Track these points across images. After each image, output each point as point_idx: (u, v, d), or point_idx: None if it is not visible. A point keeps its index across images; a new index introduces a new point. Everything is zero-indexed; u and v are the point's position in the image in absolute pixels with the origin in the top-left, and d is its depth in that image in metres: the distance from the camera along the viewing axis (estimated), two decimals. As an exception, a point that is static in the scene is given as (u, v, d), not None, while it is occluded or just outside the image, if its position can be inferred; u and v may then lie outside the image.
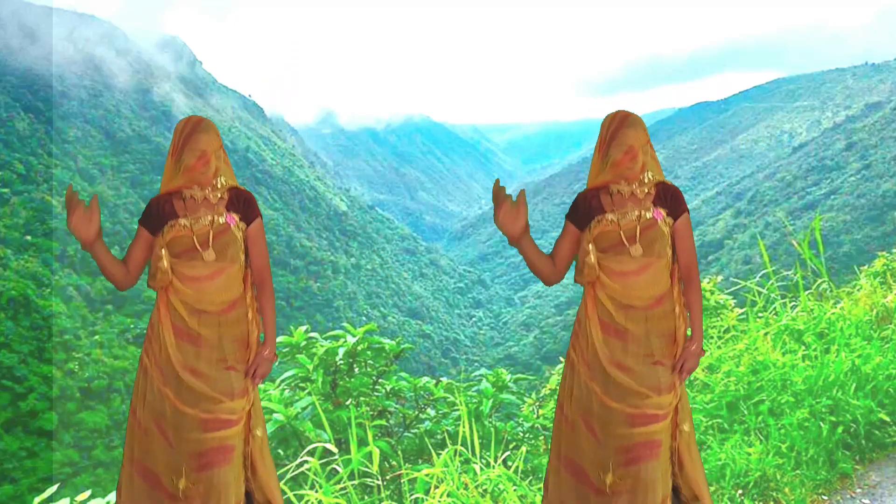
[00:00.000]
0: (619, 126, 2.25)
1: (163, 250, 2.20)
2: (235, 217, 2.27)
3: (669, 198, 2.29)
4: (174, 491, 2.17)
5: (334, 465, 3.07)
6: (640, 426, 2.23)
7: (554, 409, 4.56)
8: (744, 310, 4.85)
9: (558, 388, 2.46)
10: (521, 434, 3.96)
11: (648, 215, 2.25)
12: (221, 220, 2.24)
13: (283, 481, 2.74)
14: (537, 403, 4.74)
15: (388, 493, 3.14)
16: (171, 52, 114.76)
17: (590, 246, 2.27)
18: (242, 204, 2.30)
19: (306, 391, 3.67)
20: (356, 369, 3.90)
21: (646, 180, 2.26)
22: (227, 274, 2.23)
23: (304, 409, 3.47)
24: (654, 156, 2.31)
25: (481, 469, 3.02)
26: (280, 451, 3.51)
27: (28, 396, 38.53)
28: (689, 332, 2.34)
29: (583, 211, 2.31)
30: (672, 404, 2.28)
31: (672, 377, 2.27)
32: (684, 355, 2.29)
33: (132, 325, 51.66)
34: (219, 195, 2.27)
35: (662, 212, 2.26)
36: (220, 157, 2.28)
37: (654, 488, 2.24)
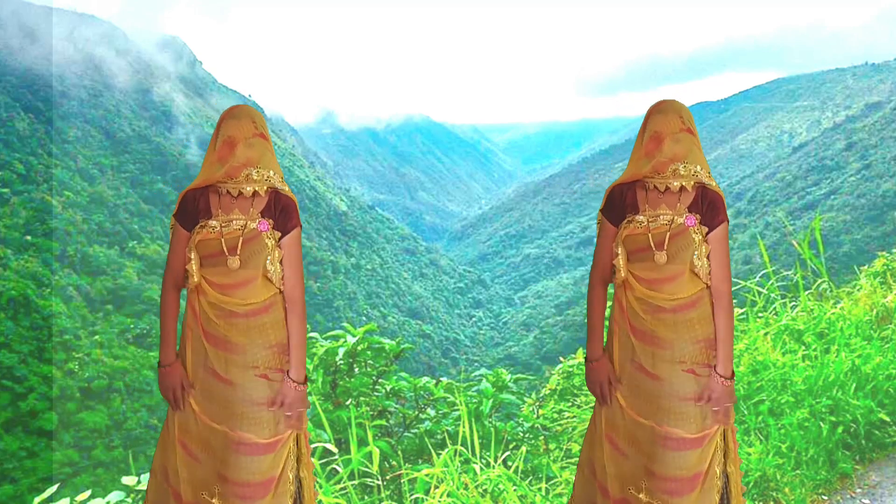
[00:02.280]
0: (649, 113, 2.18)
1: (192, 253, 2.08)
2: (269, 224, 2.13)
3: (707, 205, 2.13)
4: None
5: (334, 465, 3.07)
6: (672, 450, 2.09)
7: (554, 410, 4.56)
8: (744, 310, 4.84)
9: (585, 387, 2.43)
10: (521, 434, 3.96)
11: (680, 220, 2.11)
12: (253, 224, 2.10)
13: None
14: (537, 403, 4.74)
15: (388, 493, 3.14)
16: (171, 52, 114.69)
17: (619, 249, 2.15)
18: (280, 211, 2.15)
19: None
20: (356, 369, 3.89)
21: (681, 171, 2.11)
22: (254, 284, 2.10)
23: (304, 409, 3.46)
24: (695, 147, 2.14)
25: (481, 469, 3.02)
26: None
27: (28, 396, 38.52)
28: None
29: (618, 206, 2.19)
30: (708, 432, 2.11)
31: (701, 389, 2.10)
32: (710, 386, 2.10)
33: (132, 325, 51.63)
34: (253, 189, 2.12)
35: (696, 218, 2.12)
36: (254, 145, 2.11)
37: None
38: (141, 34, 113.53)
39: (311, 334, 3.94)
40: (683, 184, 2.13)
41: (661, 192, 2.15)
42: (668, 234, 2.10)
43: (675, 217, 2.12)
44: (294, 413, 2.13)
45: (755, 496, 3.10)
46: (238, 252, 2.08)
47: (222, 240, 2.08)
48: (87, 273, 55.12)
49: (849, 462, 3.39)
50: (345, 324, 4.10)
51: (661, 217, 2.13)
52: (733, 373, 2.15)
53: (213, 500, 2.07)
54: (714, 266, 2.13)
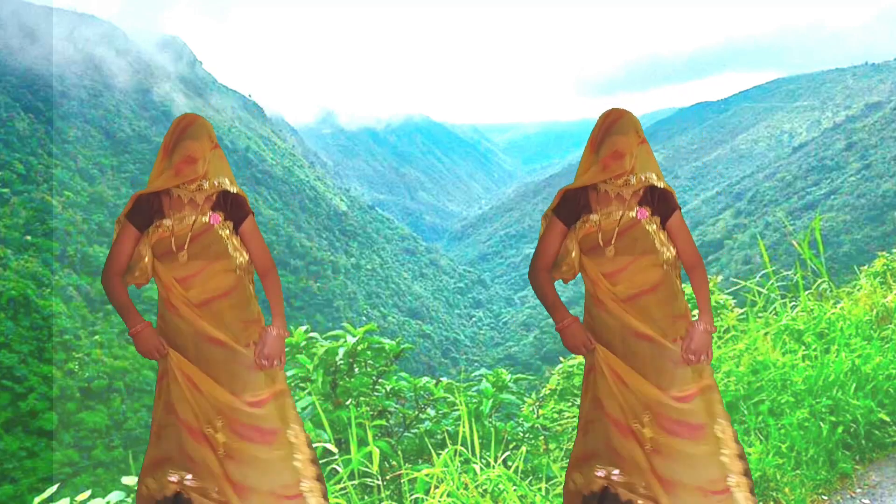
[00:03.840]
0: (608, 130, 2.28)
1: (147, 248, 2.24)
2: (220, 216, 2.28)
3: (657, 198, 2.29)
4: (213, 439, 2.20)
5: (334, 465, 3.07)
6: (667, 390, 2.23)
7: (554, 410, 4.57)
8: (744, 310, 4.84)
9: (580, 388, 2.47)
10: (521, 434, 3.96)
11: (631, 214, 2.26)
12: (204, 219, 2.26)
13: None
14: (537, 403, 4.74)
15: (388, 493, 3.15)
16: (171, 52, 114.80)
17: (573, 245, 2.31)
18: (229, 204, 2.32)
19: (306, 391, 3.66)
20: (356, 369, 3.89)
21: (632, 181, 2.26)
22: (211, 270, 2.25)
23: (304, 409, 3.47)
24: (649, 155, 2.30)
25: (481, 469, 3.02)
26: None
27: (28, 396, 38.56)
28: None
29: (571, 208, 2.32)
30: (700, 384, 2.26)
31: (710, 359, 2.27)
32: (690, 333, 2.27)
33: (132, 325, 51.63)
34: (204, 195, 2.28)
35: (647, 210, 2.27)
36: (210, 160, 2.28)
37: (697, 469, 2.22)
38: (141, 34, 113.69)
39: (312, 334, 3.95)
40: (634, 191, 2.28)
41: (611, 195, 2.29)
42: (618, 228, 2.25)
43: (626, 212, 2.26)
44: (270, 361, 2.28)
45: (755, 496, 3.10)
46: (186, 247, 2.23)
47: (172, 237, 2.23)
48: (87, 273, 55.15)
49: (849, 462, 3.39)
50: (345, 324, 4.10)
51: (613, 214, 2.27)
52: (715, 328, 2.32)
53: (218, 434, 2.21)
54: (681, 247, 2.31)
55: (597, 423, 2.32)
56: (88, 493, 2.84)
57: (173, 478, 2.22)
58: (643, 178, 2.26)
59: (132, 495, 2.83)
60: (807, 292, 4.98)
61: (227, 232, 2.30)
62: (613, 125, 2.27)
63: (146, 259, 2.24)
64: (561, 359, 5.14)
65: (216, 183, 2.29)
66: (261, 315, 2.35)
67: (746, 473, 2.30)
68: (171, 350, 2.24)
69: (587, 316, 2.38)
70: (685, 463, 2.23)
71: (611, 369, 2.28)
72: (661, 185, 2.28)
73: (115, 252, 2.28)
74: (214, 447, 2.20)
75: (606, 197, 2.28)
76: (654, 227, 2.27)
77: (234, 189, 2.33)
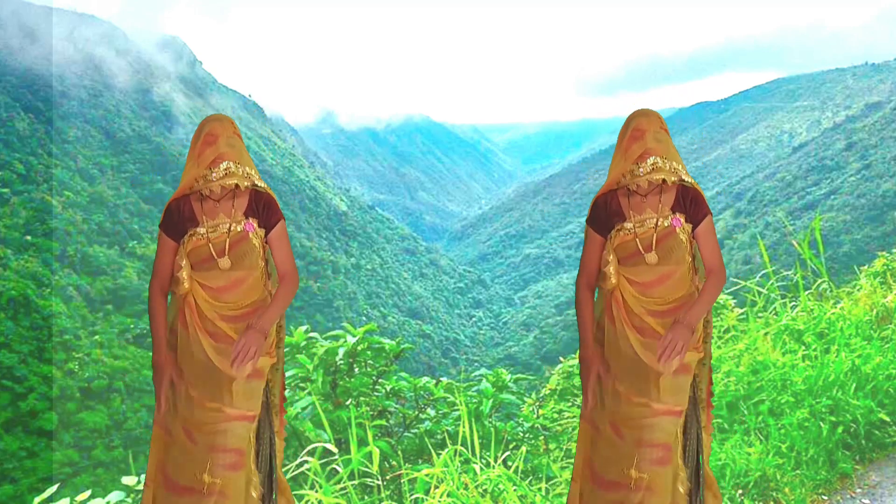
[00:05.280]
0: (631, 117, 2.29)
1: (184, 261, 2.19)
2: (254, 223, 2.24)
3: (689, 202, 2.24)
4: (199, 486, 2.17)
5: (334, 465, 3.07)
6: (662, 415, 2.21)
7: (554, 410, 4.56)
8: (744, 310, 4.85)
9: (580, 404, 2.47)
10: (521, 434, 3.96)
11: (666, 223, 2.22)
12: (239, 227, 2.22)
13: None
14: (537, 403, 4.74)
15: (388, 493, 3.14)
16: (171, 52, 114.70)
17: (611, 256, 2.25)
18: (262, 208, 2.27)
19: (306, 391, 3.67)
20: (356, 369, 3.89)
21: (660, 164, 2.20)
22: (247, 283, 2.22)
23: (304, 409, 3.47)
24: (671, 145, 2.25)
25: (481, 469, 3.02)
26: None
27: (28, 396, 38.52)
28: None
29: (603, 217, 2.29)
30: (685, 407, 2.24)
31: (683, 356, 2.21)
32: (671, 328, 2.18)
33: (132, 325, 51.65)
34: (234, 183, 2.20)
35: (681, 218, 2.23)
36: (234, 143, 2.24)
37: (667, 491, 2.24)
38: (141, 34, 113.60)
39: (312, 334, 3.95)
40: (664, 178, 2.21)
41: (643, 196, 2.24)
42: (655, 236, 2.21)
43: (661, 220, 2.23)
44: (240, 356, 2.17)
45: (755, 496, 3.10)
46: (227, 253, 2.19)
47: (210, 244, 2.19)
48: (87, 273, 55.12)
49: (849, 462, 3.39)
50: (345, 324, 4.10)
51: (647, 221, 2.23)
52: (693, 330, 2.21)
53: (205, 476, 2.16)
54: (707, 254, 2.27)
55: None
56: (88, 493, 2.84)
57: None
58: (671, 167, 2.21)
59: (132, 495, 2.83)
60: (807, 292, 4.98)
61: (259, 241, 2.26)
62: (637, 113, 2.28)
63: (185, 272, 2.19)
64: (561, 359, 5.14)
65: (244, 172, 2.22)
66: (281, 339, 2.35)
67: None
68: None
69: (598, 332, 2.33)
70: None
71: (613, 426, 2.26)
72: (689, 180, 2.24)
73: (157, 267, 2.26)
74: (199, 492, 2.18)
75: (638, 200, 2.24)
76: (686, 236, 2.24)
77: (261, 184, 2.28)
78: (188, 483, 2.17)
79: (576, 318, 2.38)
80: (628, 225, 2.23)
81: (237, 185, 2.23)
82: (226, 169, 2.20)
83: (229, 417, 2.19)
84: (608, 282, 2.26)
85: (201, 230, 2.20)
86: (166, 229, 2.23)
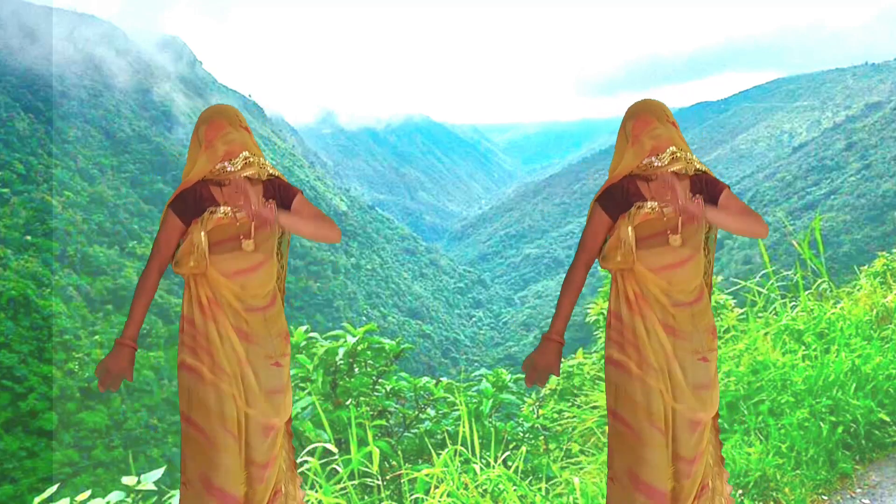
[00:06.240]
0: (634, 109, 2.22)
1: (202, 234, 2.08)
2: (272, 205, 2.17)
3: (704, 183, 2.17)
4: (239, 495, 2.15)
5: (334, 465, 3.07)
6: (694, 431, 2.18)
7: (554, 410, 4.56)
8: (744, 310, 4.85)
9: (605, 395, 2.32)
10: (521, 434, 3.96)
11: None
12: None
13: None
14: (537, 403, 4.74)
15: (388, 493, 3.15)
16: (171, 52, 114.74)
17: (630, 230, 2.12)
18: (278, 190, 2.20)
19: (306, 391, 3.67)
20: (356, 369, 3.90)
21: (678, 155, 2.14)
22: (265, 268, 2.17)
23: (304, 409, 3.47)
24: (679, 134, 2.19)
25: (481, 469, 3.02)
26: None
27: (28, 396, 38.55)
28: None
29: (620, 197, 2.16)
30: (714, 404, 2.22)
31: (712, 374, 2.19)
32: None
33: (132, 325, 51.60)
34: (255, 173, 2.16)
35: (700, 200, 2.13)
36: (244, 133, 2.20)
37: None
38: (141, 34, 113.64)
39: (312, 334, 3.95)
40: (685, 169, 2.15)
41: (664, 180, 2.15)
42: (681, 218, 2.12)
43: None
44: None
45: (755, 496, 3.10)
46: (252, 235, 2.12)
47: (236, 224, 2.11)
48: (87, 273, 55.15)
49: (849, 462, 3.39)
50: (345, 324, 4.10)
51: (672, 203, 2.13)
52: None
53: (242, 486, 2.15)
54: (737, 209, 2.14)
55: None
56: (88, 493, 2.84)
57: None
58: (688, 158, 2.15)
59: (132, 495, 2.83)
60: (807, 292, 4.98)
61: (279, 227, 2.20)
62: (641, 103, 2.23)
63: (204, 245, 2.07)
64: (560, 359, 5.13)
65: (261, 163, 2.18)
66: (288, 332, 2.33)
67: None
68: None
69: (614, 319, 2.23)
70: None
71: (659, 430, 2.21)
72: (702, 168, 2.19)
73: (161, 244, 2.15)
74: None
75: (660, 188, 2.13)
76: (704, 220, 2.14)
77: (275, 172, 2.23)
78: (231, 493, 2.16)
79: (582, 317, 2.36)
80: (652, 203, 2.12)
81: (254, 175, 2.17)
82: (245, 158, 2.15)
83: (266, 429, 2.19)
84: (626, 260, 2.13)
85: (225, 208, 2.11)
86: (176, 208, 2.13)
